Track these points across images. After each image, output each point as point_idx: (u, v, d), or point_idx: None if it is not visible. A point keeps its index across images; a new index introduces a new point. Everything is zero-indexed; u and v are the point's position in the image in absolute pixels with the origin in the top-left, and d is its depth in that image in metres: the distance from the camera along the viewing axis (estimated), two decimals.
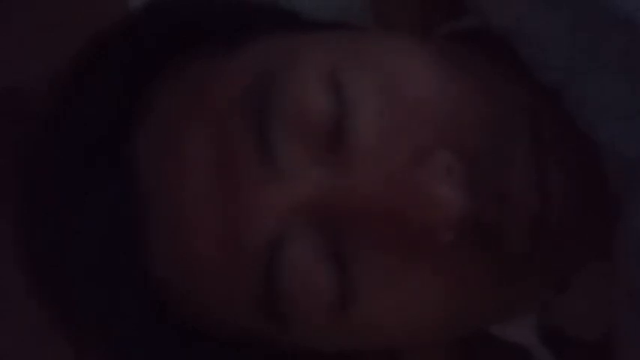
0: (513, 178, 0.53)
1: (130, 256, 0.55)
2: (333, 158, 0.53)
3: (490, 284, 0.55)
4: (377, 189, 0.53)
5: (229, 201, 0.53)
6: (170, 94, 0.57)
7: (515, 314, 0.62)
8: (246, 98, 0.54)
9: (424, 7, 0.62)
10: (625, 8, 0.53)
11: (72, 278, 0.57)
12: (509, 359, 0.64)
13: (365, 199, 0.53)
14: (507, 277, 0.55)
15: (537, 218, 0.53)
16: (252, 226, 0.53)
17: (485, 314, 0.59)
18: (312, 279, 0.53)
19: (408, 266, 0.54)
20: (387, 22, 0.66)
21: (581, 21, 0.55)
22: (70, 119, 0.58)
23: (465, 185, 0.52)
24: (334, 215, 0.53)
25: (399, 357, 0.61)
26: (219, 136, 0.54)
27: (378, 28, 0.68)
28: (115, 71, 0.58)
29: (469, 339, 0.62)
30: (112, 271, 0.56)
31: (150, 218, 0.55)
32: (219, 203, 0.53)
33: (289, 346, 0.58)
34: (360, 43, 0.58)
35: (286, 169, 0.53)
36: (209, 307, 0.56)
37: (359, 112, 0.54)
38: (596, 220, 0.56)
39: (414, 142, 0.53)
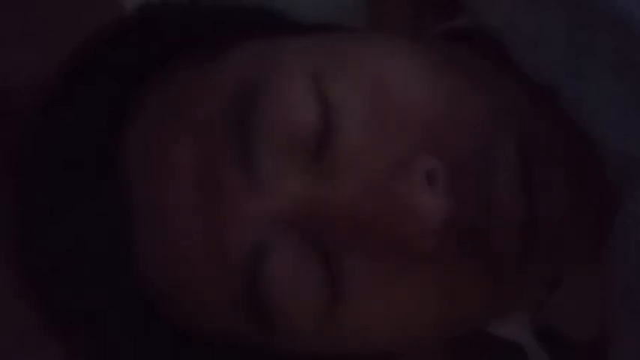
0: (499, 181, 0.53)
1: (117, 259, 0.55)
2: (316, 167, 0.53)
3: (478, 288, 0.55)
4: (357, 198, 0.52)
5: (212, 210, 0.53)
6: (156, 102, 0.57)
7: (507, 314, 0.62)
8: (228, 108, 0.54)
9: (419, 6, 0.62)
10: (619, 7, 0.53)
11: (60, 280, 0.57)
12: (504, 356, 0.64)
13: (345, 209, 0.53)
14: (495, 280, 0.54)
15: (525, 220, 0.53)
16: (235, 235, 0.53)
17: (475, 317, 0.59)
18: (296, 285, 0.53)
19: (393, 272, 0.54)
20: (382, 21, 0.66)
21: (577, 19, 0.55)
22: (60, 122, 0.58)
23: (448, 190, 0.52)
24: (317, 224, 0.53)
25: (394, 357, 0.61)
26: (203, 147, 0.54)
27: (366, 30, 0.67)
28: (104, 77, 0.58)
29: (463, 336, 0.62)
30: (99, 273, 0.56)
31: (136, 225, 0.55)
32: (202, 212, 0.53)
33: (276, 350, 0.58)
34: (345, 47, 0.57)
35: (268, 179, 0.53)
36: (195, 312, 0.56)
37: (342, 121, 0.53)
38: (592, 218, 0.56)
39: (397, 149, 0.53)
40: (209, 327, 0.57)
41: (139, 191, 0.55)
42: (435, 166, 0.52)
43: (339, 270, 0.53)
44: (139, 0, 0.64)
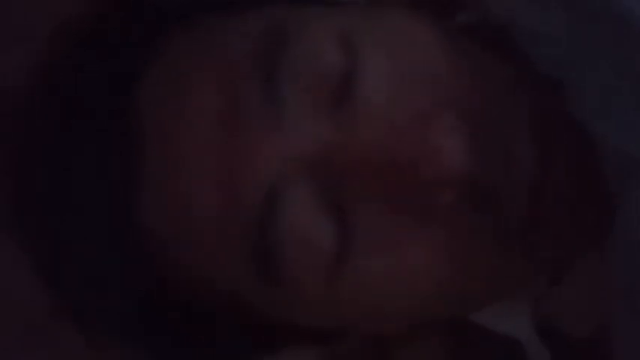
0: (516, 146, 0.53)
1: (121, 207, 0.55)
2: (339, 113, 0.53)
3: (487, 251, 0.54)
4: (380, 140, 0.53)
5: (230, 147, 0.53)
6: (179, 46, 0.57)
7: (507, 295, 0.61)
8: (256, 50, 0.54)
9: (417, 4, 0.62)
10: (619, 4, 0.53)
11: (63, 230, 0.57)
12: (502, 351, 0.64)
13: (368, 150, 0.53)
14: (504, 245, 0.54)
15: (537, 187, 0.53)
16: (252, 174, 0.53)
17: (480, 287, 0.58)
18: (310, 230, 0.53)
19: (406, 225, 0.53)
20: None
21: (577, 19, 0.55)
22: (75, 66, 0.58)
23: (468, 146, 0.52)
24: (336, 168, 0.53)
25: (389, 353, 0.61)
26: (226, 85, 0.54)
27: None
28: (123, 26, 0.58)
29: (461, 331, 0.62)
30: (100, 226, 0.55)
31: (147, 160, 0.55)
32: (220, 149, 0.53)
33: (274, 318, 0.57)
34: (368, 11, 0.58)
35: (291, 120, 0.53)
36: (199, 261, 0.56)
37: (368, 70, 0.54)
38: (592, 217, 0.56)
39: (421, 102, 0.53)
40: (209, 284, 0.56)
41: (154, 127, 0.55)
42: (458, 122, 0.52)
43: (353, 222, 0.53)
44: None
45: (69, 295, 0.59)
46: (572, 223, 0.55)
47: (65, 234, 0.57)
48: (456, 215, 0.53)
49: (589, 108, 0.55)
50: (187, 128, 0.54)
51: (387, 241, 0.54)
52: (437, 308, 0.58)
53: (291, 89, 0.53)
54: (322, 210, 0.53)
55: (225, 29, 0.56)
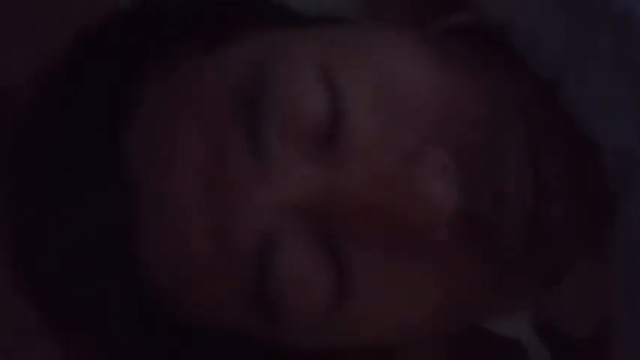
0: (508, 175, 0.53)
1: (119, 254, 0.55)
2: (326, 156, 0.53)
3: (485, 282, 0.55)
4: (370, 186, 0.52)
5: (220, 200, 0.53)
6: (160, 92, 0.56)
7: (509, 311, 0.62)
8: (236, 95, 0.54)
9: (416, 3, 0.62)
10: (619, 3, 0.53)
11: (61, 276, 0.57)
12: (503, 353, 0.64)
13: (358, 197, 0.52)
14: (502, 274, 0.54)
15: (532, 214, 0.53)
16: (243, 226, 0.53)
17: (480, 312, 0.59)
18: (304, 278, 0.53)
19: (402, 264, 0.53)
20: (378, 18, 0.66)
21: (577, 19, 0.55)
22: (59, 117, 0.57)
23: (459, 183, 0.52)
24: (327, 213, 0.53)
25: (390, 357, 0.61)
26: (210, 135, 0.53)
27: (369, 22, 0.67)
28: (103, 69, 0.58)
29: (464, 334, 0.62)
30: (101, 268, 0.55)
31: (140, 217, 0.55)
32: (210, 202, 0.53)
33: (278, 344, 0.58)
34: (352, 38, 0.57)
35: (277, 168, 0.53)
36: (198, 304, 0.56)
37: (352, 110, 0.53)
38: (592, 217, 0.56)
39: (408, 140, 0.53)
40: (211, 320, 0.57)
41: (145, 182, 0.55)
42: (447, 160, 0.52)
43: (349, 263, 0.53)
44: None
45: (65, 317, 0.59)
46: (572, 223, 0.55)
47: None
48: (452, 249, 0.53)
49: (589, 108, 0.55)
50: (176, 182, 0.54)
51: (384, 280, 0.54)
52: (437, 330, 0.59)
53: (274, 137, 0.53)
54: (318, 255, 0.53)
55: (203, 70, 0.56)
